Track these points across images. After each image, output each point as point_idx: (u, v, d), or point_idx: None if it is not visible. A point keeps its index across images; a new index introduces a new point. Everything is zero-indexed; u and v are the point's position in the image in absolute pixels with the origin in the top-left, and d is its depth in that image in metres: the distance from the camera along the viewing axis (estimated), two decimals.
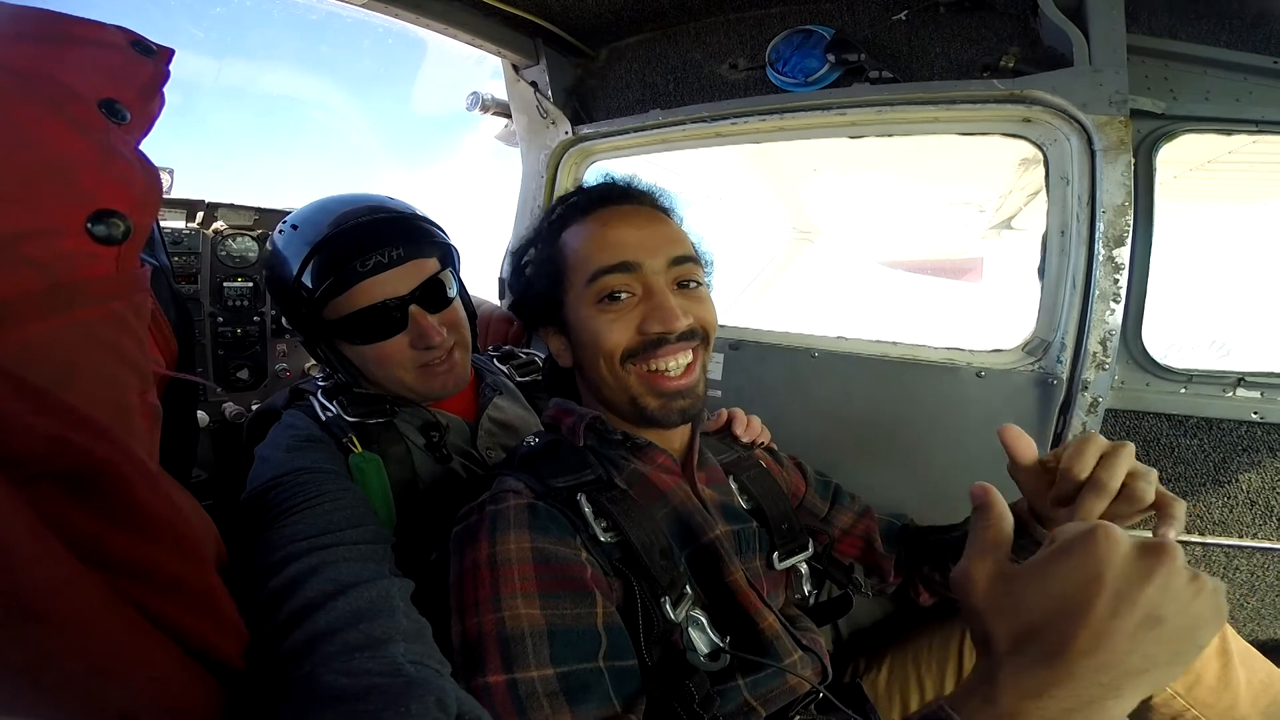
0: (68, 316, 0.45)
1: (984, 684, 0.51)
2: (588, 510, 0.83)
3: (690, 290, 0.91)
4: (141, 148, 0.53)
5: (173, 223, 2.04)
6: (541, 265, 0.95)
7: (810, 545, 1.04)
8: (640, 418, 0.90)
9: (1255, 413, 1.40)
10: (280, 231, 1.09)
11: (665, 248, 0.89)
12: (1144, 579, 0.47)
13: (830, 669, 0.95)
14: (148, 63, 0.56)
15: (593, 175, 2.17)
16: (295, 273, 1.03)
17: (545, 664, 0.68)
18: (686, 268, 0.91)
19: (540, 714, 0.65)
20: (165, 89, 0.57)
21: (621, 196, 0.95)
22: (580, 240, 0.91)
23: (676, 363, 0.88)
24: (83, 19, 0.53)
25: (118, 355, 0.49)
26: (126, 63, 0.54)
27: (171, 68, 0.58)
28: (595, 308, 0.88)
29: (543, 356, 1.39)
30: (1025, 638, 0.50)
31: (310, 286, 1.02)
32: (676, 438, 0.98)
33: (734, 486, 1.03)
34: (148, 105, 0.54)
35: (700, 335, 0.90)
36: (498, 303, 2.33)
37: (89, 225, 0.46)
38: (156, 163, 0.54)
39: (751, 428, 1.18)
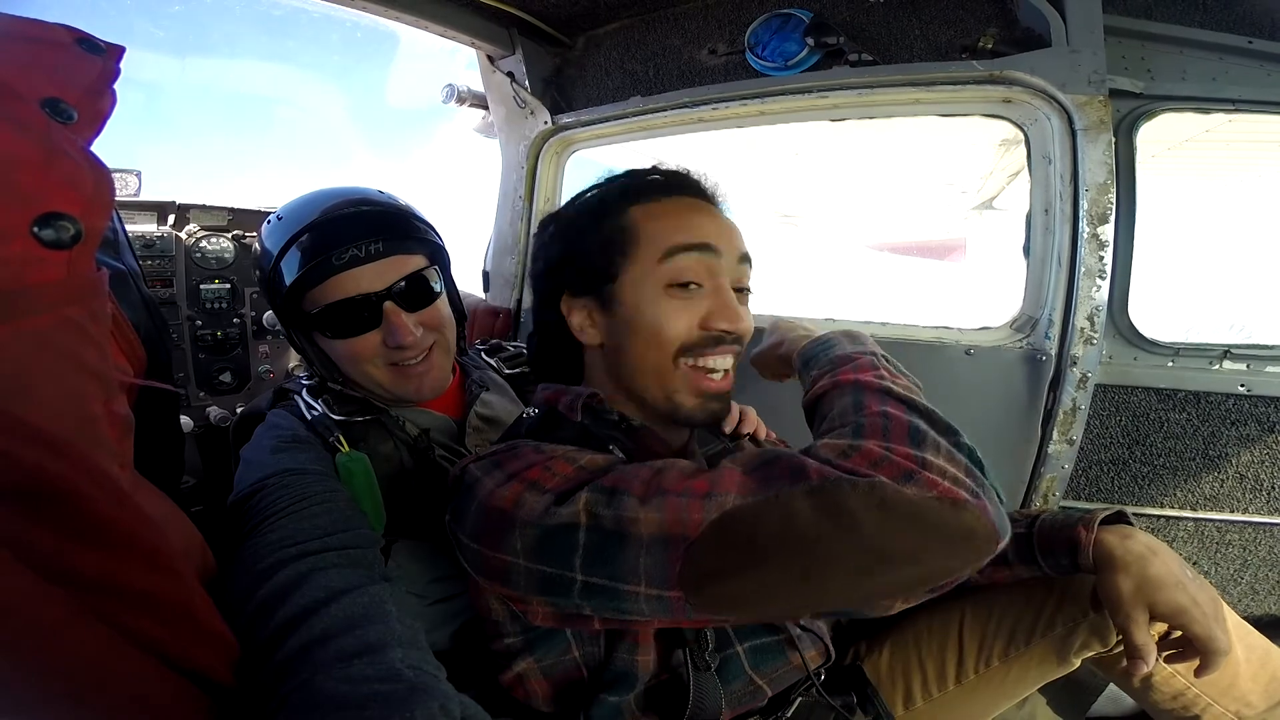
0: (17, 325, 0.42)
1: None
2: None
3: (743, 298, 0.91)
4: (95, 148, 0.51)
5: (143, 226, 1.98)
6: (601, 231, 0.90)
7: None
8: (671, 415, 0.88)
9: (1242, 385, 1.42)
10: (268, 222, 1.09)
11: (738, 243, 0.89)
12: None
13: (832, 649, 0.95)
14: (96, 60, 0.53)
15: (574, 165, 2.15)
16: (273, 262, 1.02)
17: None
18: (746, 270, 0.91)
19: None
20: (117, 87, 0.54)
21: (697, 191, 0.94)
22: (658, 217, 0.88)
23: (724, 363, 0.87)
24: (23, 17, 0.51)
25: (77, 364, 0.47)
26: (72, 60, 0.52)
27: (127, 67, 0.56)
28: (664, 291, 0.85)
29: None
30: None
31: (285, 276, 1.01)
32: (674, 430, 0.96)
33: None
34: (97, 104, 0.52)
35: (744, 344, 0.90)
36: (482, 295, 2.30)
37: (35, 229, 0.43)
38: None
39: (747, 420, 1.16)
